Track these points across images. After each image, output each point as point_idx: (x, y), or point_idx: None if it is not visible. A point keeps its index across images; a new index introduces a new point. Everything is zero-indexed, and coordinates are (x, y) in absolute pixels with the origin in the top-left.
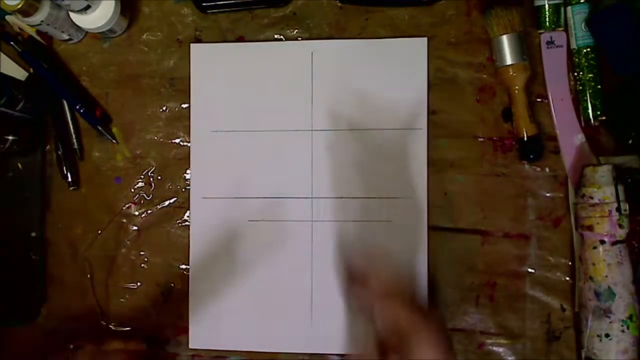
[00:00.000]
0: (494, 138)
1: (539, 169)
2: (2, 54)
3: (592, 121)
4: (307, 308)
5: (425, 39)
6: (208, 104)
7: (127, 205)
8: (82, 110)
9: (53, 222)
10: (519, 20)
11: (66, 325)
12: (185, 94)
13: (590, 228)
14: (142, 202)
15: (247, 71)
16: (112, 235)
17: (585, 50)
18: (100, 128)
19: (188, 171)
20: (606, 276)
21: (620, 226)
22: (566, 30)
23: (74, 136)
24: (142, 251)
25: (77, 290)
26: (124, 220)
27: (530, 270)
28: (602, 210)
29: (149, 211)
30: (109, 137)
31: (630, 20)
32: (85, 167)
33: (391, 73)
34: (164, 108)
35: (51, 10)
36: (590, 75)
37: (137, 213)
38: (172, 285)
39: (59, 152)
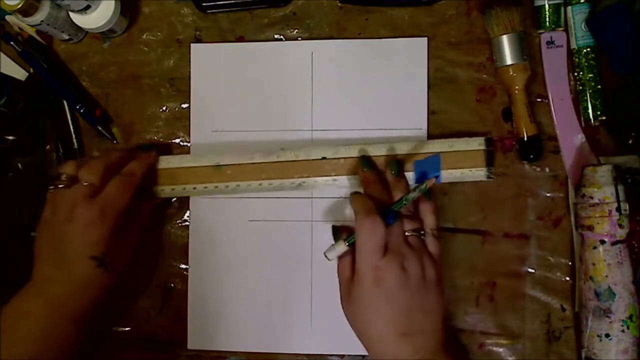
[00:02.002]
0: (494, 138)
1: (539, 169)
2: (2, 54)
3: (592, 121)
4: (307, 308)
5: (425, 39)
6: (208, 104)
7: None
8: (82, 110)
9: None
10: (519, 20)
11: None
12: (185, 94)
13: (590, 228)
14: None
15: (247, 71)
16: None
17: (585, 50)
18: (100, 128)
19: None
20: (606, 276)
21: (620, 226)
22: (566, 30)
23: (74, 136)
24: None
25: None
26: None
27: (530, 270)
28: (602, 210)
29: None
30: (109, 137)
31: (630, 20)
32: None
33: (391, 73)
34: (164, 108)
35: (51, 10)
36: (590, 75)
37: None
38: (172, 285)
39: (59, 152)
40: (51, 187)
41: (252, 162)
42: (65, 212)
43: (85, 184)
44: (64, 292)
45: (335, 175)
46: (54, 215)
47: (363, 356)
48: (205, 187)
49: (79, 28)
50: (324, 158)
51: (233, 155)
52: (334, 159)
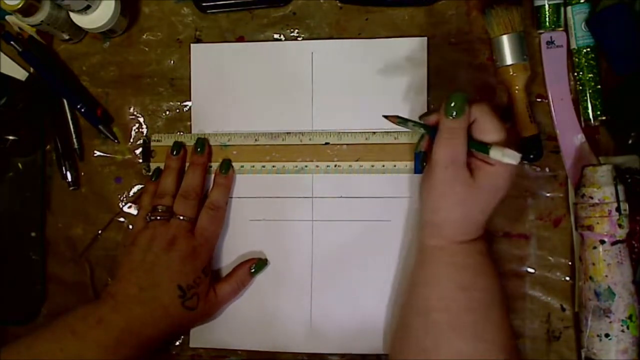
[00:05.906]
0: None
1: (539, 169)
2: (2, 54)
3: (592, 121)
4: (307, 308)
5: (425, 39)
6: (208, 104)
7: (127, 205)
8: (83, 110)
9: (53, 222)
10: (519, 20)
11: None
12: (185, 94)
13: (590, 228)
14: None
15: (247, 71)
16: (112, 235)
17: (585, 50)
18: (101, 127)
19: None
20: (606, 276)
21: (620, 226)
22: (566, 30)
23: (74, 136)
24: None
25: (77, 290)
26: (124, 220)
27: (530, 270)
28: (602, 210)
29: None
30: (110, 136)
31: (630, 20)
32: (85, 167)
33: (391, 73)
34: (164, 108)
35: (51, 10)
36: (590, 75)
37: (137, 213)
38: None
39: (59, 152)
40: (152, 218)
41: (257, 144)
42: (165, 243)
43: (182, 218)
44: (144, 314)
45: (337, 161)
46: (153, 243)
47: (363, 355)
48: (210, 166)
49: (79, 28)
50: (327, 143)
51: (239, 136)
52: (337, 144)
